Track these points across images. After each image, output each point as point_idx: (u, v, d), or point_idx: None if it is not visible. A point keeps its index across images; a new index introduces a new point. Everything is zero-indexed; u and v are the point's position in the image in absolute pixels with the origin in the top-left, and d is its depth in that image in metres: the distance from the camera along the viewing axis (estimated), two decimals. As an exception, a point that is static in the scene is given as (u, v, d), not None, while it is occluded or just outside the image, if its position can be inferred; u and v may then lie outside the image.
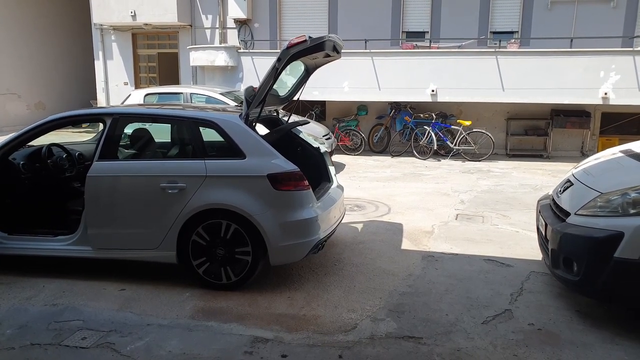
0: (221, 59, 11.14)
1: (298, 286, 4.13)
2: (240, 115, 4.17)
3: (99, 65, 13.70)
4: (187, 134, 4.24)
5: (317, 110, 11.95)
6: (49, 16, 16.41)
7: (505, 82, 9.91)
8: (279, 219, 3.87)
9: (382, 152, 11.60)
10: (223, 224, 3.92)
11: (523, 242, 5.36)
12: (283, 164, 3.97)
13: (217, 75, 11.59)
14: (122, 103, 9.60)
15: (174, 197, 3.91)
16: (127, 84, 13.63)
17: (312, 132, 9.00)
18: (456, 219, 6.28)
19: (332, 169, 5.25)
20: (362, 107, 11.76)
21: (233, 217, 3.89)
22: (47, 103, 16.70)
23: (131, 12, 12.37)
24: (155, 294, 3.96)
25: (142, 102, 9.33)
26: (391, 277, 4.35)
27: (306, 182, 4.03)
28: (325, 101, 11.71)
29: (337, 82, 10.57)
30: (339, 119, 11.75)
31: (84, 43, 15.59)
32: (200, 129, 4.14)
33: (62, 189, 4.88)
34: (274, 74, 4.03)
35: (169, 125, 4.78)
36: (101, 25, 13.27)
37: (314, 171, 5.12)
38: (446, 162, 10.45)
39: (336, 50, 4.48)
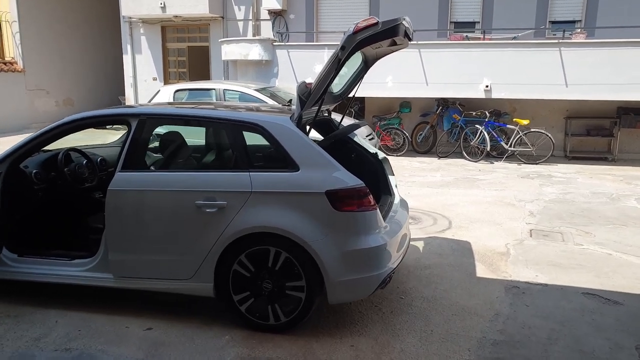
0: (255, 52, 10.43)
1: (362, 329, 3.34)
2: (291, 117, 3.41)
3: (127, 59, 13.18)
4: (228, 139, 3.49)
5: (356, 107, 11.12)
6: (77, 10, 16.02)
7: (569, 77, 8.89)
8: (339, 247, 3.09)
9: (426, 152, 10.70)
10: (271, 252, 3.16)
11: (622, 270, 4.45)
12: (345, 178, 3.19)
13: (250, 70, 10.88)
14: (151, 100, 8.97)
15: (212, 218, 3.18)
16: (156, 79, 13.07)
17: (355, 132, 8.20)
18: (531, 236, 5.39)
19: (392, 180, 4.45)
20: (405, 104, 10.88)
21: (283, 244, 3.13)
22: (75, 99, 16.34)
23: (161, 4, 11.76)
24: (189, 337, 3.23)
25: (171, 99, 8.70)
26: (475, 318, 3.52)
27: (373, 201, 3.24)
28: (364, 97, 10.87)
29: (380, 77, 9.71)
30: (380, 116, 10.90)
31: (113, 37, 15.12)
32: (244, 133, 3.39)
33: (81, 202, 4.22)
34: (336, 65, 3.25)
35: (206, 128, 4.06)
36: (130, 18, 12.72)
37: (372, 183, 4.32)
38: (500, 165, 9.49)
39: (408, 37, 3.66)
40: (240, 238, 3.15)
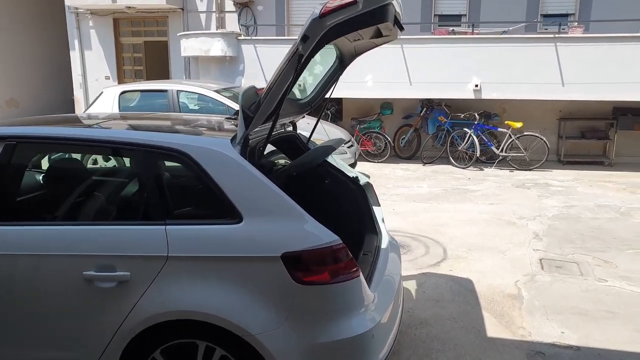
0: (217, 47, 9.27)
1: None
2: (233, 140, 2.34)
3: (75, 56, 11.83)
4: (136, 174, 2.39)
5: (333, 109, 10.08)
6: (19, 1, 14.45)
7: (566, 75, 8.01)
8: (304, 341, 2.05)
9: (410, 158, 9.73)
10: (200, 348, 2.09)
11: (668, 320, 3.53)
12: (314, 231, 2.14)
13: (213, 68, 9.72)
14: (91, 105, 7.76)
15: (109, 297, 2.09)
16: (109, 78, 11.77)
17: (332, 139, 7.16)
18: (543, 269, 4.44)
19: (378, 213, 3.43)
20: (386, 105, 9.88)
21: (218, 336, 2.07)
22: (20, 100, 14.80)
23: (111, -7, 10.49)
24: None
25: (116, 103, 7.50)
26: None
27: (354, 265, 2.19)
28: (341, 98, 9.83)
29: (359, 75, 8.68)
30: (359, 119, 9.88)
31: (61, 30, 13.62)
32: (161, 164, 2.31)
33: None
34: (297, 64, 2.20)
35: (106, 157, 2.95)
36: (76, 8, 11.38)
37: (352, 218, 3.31)
38: (491, 172, 8.57)
39: (399, 25, 2.61)
40: (153, 328, 2.07)
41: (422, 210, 6.32)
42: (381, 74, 8.75)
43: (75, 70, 12.05)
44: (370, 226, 3.30)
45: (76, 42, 11.82)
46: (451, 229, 5.55)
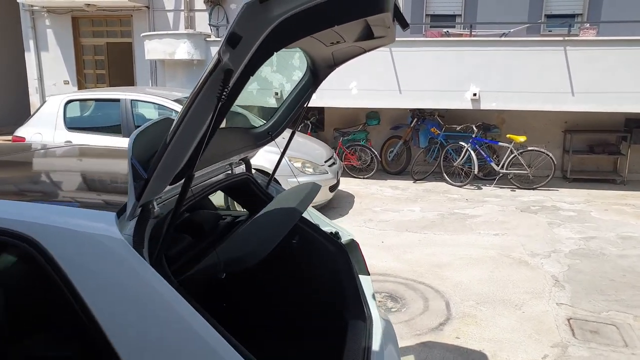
0: (183, 50, 8.22)
1: None
2: (120, 214, 1.36)
3: (30, 58, 10.68)
4: None
5: (314, 119, 9.09)
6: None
7: (577, 83, 7.12)
8: None
9: (399, 173, 8.78)
10: None
11: None
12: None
13: (179, 73, 8.67)
14: (32, 115, 6.67)
15: None
16: (68, 83, 10.64)
17: (310, 157, 6.18)
18: (574, 336, 3.49)
19: (367, 284, 2.45)
20: (372, 115, 8.91)
21: None
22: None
23: (67, -12, 9.38)
24: None
25: (61, 114, 6.43)
26: None
27: None
28: (323, 107, 8.84)
29: (342, 83, 7.70)
30: (342, 130, 8.90)
31: (14, 29, 12.30)
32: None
33: None
34: (221, 88, 1.23)
35: None
36: (31, 6, 10.24)
37: (329, 296, 2.33)
38: (491, 192, 7.65)
39: (401, 20, 1.62)
40: None
41: (416, 244, 5.36)
42: (367, 80, 7.78)
43: (30, 74, 10.89)
44: (355, 308, 2.31)
45: (31, 42, 10.66)
46: (453, 272, 4.59)
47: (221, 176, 2.25)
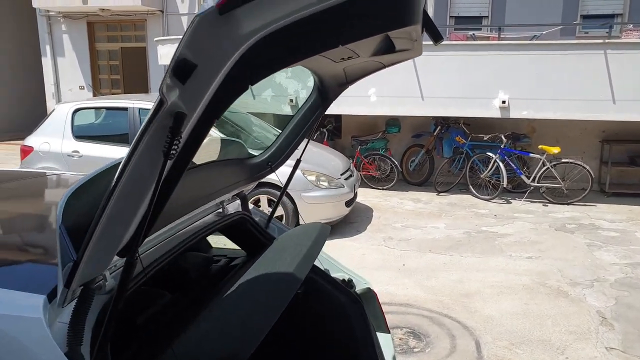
0: (196, 55, 7.90)
1: None
2: (51, 298, 1.01)
3: (47, 64, 10.57)
4: None
5: (330, 126, 8.69)
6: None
7: (618, 90, 6.55)
8: None
9: (421, 184, 8.31)
10: None
11: None
12: None
13: (192, 78, 8.35)
14: (41, 124, 6.43)
15: None
16: (84, 88, 10.48)
17: (325, 169, 5.78)
18: (627, 388, 3.01)
19: (387, 344, 2.06)
20: (392, 122, 8.47)
21: None
22: (-2, 110, 13.54)
23: (81, -7, 9.19)
24: None
25: (69, 122, 6.18)
26: None
27: None
28: (340, 115, 8.44)
29: (360, 89, 7.23)
30: (360, 138, 8.47)
31: (31, 35, 12.24)
32: None
33: None
34: (169, 139, 0.84)
35: None
36: (47, 11, 10.10)
37: (341, 355, 1.95)
38: (521, 206, 7.13)
39: (432, 32, 1.21)
40: None
41: (441, 267, 4.91)
42: (387, 87, 7.34)
43: (47, 79, 10.79)
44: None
45: (48, 48, 10.55)
46: (483, 303, 4.13)
47: (210, 217, 1.87)
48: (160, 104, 0.85)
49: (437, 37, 1.25)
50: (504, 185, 7.20)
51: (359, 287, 2.17)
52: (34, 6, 9.83)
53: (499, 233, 5.96)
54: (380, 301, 2.28)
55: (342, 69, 1.72)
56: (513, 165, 7.35)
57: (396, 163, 7.99)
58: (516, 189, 7.65)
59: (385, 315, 2.27)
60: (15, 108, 13.63)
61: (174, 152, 0.88)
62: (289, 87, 7.32)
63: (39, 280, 1.15)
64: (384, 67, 1.68)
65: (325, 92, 1.90)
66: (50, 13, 10.20)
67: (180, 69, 0.82)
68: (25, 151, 6.33)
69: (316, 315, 2.06)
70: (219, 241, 2.48)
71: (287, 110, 7.32)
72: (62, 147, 6.11)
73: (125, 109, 6.08)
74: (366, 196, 7.45)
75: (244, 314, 1.37)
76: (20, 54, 13.55)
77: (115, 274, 1.28)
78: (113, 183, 0.93)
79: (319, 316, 2.04)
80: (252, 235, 2.05)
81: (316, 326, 2.04)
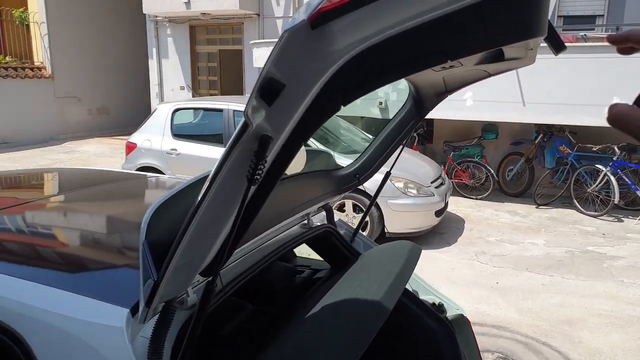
0: (289, 57, 8.01)
1: None
2: (135, 309, 1.01)
3: (153, 65, 11.32)
4: None
5: (421, 130, 8.40)
6: (110, 8, 14.34)
7: None
8: None
9: (519, 195, 7.77)
10: None
11: None
12: None
13: (284, 80, 8.49)
14: (144, 122, 6.85)
15: None
16: (184, 89, 11.08)
17: (415, 176, 5.55)
18: None
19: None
20: (489, 128, 8.00)
21: None
22: (111, 108, 14.80)
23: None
24: None
25: (169, 121, 6.52)
26: None
27: None
28: (432, 119, 8.12)
29: (455, 93, 6.89)
30: (454, 144, 8.10)
31: (141, 39, 13.26)
32: None
33: None
34: (254, 163, 0.80)
35: None
36: (155, 16, 10.81)
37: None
38: (635, 226, 6.38)
39: (554, 41, 1.03)
40: None
41: (539, 289, 4.50)
42: (484, 90, 6.92)
43: (152, 79, 11.56)
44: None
45: (154, 50, 11.30)
46: (588, 333, 3.71)
47: (295, 230, 1.80)
48: (244, 127, 0.78)
49: (559, 47, 1.06)
50: (615, 201, 6.49)
51: (450, 313, 1.99)
52: (143, 12, 10.55)
53: (608, 255, 5.37)
54: (470, 321, 2.08)
55: (441, 77, 1.57)
56: (627, 180, 6.61)
57: (492, 171, 7.53)
58: (629, 206, 6.88)
59: (476, 337, 2.07)
60: (124, 106, 14.86)
61: (258, 177, 0.80)
62: (378, 90, 7.16)
63: (124, 291, 1.14)
64: (489, 76, 1.50)
65: (421, 101, 1.75)
66: (158, 18, 10.90)
67: (267, 90, 0.75)
68: (130, 147, 6.78)
69: (403, 340, 1.91)
70: (303, 250, 2.42)
71: (376, 113, 7.18)
72: (162, 145, 6.46)
73: (221, 110, 6.30)
74: (458, 206, 7.09)
75: (334, 337, 1.27)
76: (130, 56, 14.76)
77: (197, 288, 1.24)
78: (196, 204, 0.88)
79: (406, 342, 1.90)
80: (336, 249, 1.95)
81: (402, 352, 1.90)
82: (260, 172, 0.80)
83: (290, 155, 0.85)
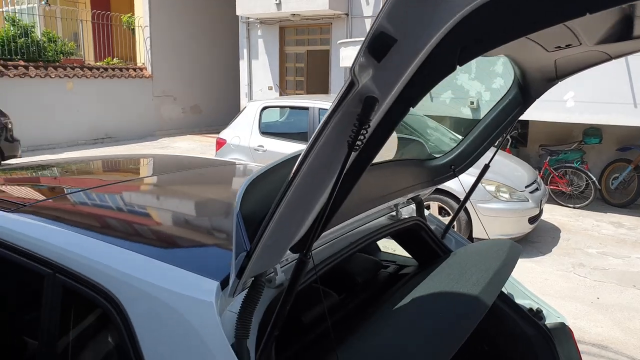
0: (376, 56, 7.91)
1: None
2: (226, 283, 1.01)
3: (243, 66, 11.73)
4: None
5: (515, 132, 7.92)
6: (203, 13, 15.06)
7: None
8: None
9: (625, 206, 7.07)
10: None
11: None
12: None
13: (370, 80, 8.41)
14: (234, 119, 7.09)
15: None
16: (272, 89, 11.37)
17: (508, 179, 5.23)
18: None
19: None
20: (592, 131, 7.37)
21: None
22: (203, 107, 15.60)
23: (276, 0, 9.94)
24: None
25: (257, 118, 6.70)
26: None
27: None
28: (527, 121, 7.63)
29: (554, 92, 6.39)
30: (550, 148, 7.55)
31: (234, 40, 13.84)
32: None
33: None
34: (360, 118, 0.74)
35: None
36: (247, 18, 11.20)
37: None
38: None
39: None
40: None
41: (648, 309, 4.04)
42: (587, 89, 6.37)
43: (242, 79, 11.99)
44: None
45: (245, 51, 11.71)
46: None
47: (383, 220, 1.72)
48: (350, 86, 0.73)
49: None
50: None
51: (549, 320, 1.81)
52: (237, 14, 10.97)
53: None
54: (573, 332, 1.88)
55: (553, 60, 1.43)
56: None
57: (594, 179, 6.91)
58: None
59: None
60: (215, 105, 15.60)
61: (359, 143, 0.74)
62: (470, 89, 6.86)
63: (215, 266, 1.13)
64: (610, 59, 1.34)
65: (527, 88, 1.61)
66: (250, 20, 11.28)
67: (378, 44, 0.69)
68: (220, 143, 7.05)
69: (495, 347, 1.76)
70: (388, 246, 2.33)
71: (466, 113, 6.87)
72: (250, 142, 6.64)
73: (307, 108, 6.35)
74: (553, 214, 6.60)
75: (422, 337, 1.18)
76: (222, 58, 15.47)
77: (285, 268, 1.21)
78: (292, 174, 0.84)
79: (499, 350, 1.74)
80: (425, 244, 1.84)
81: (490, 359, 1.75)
82: (362, 137, 0.74)
83: (396, 121, 0.78)
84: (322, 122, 0.79)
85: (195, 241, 1.39)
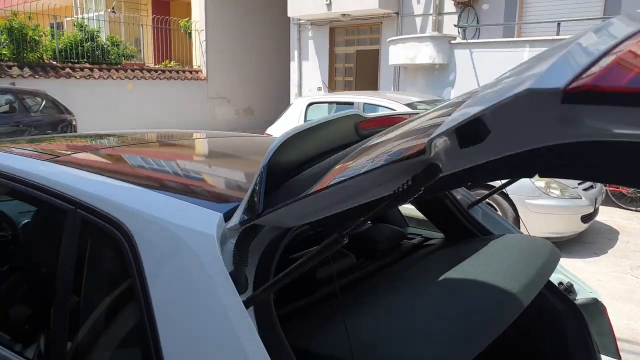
0: (425, 53, 7.82)
1: None
2: (229, 215, 1.06)
3: (293, 67, 11.89)
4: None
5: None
6: (256, 16, 15.41)
7: None
8: None
9: (691, 211, 6.57)
10: None
11: None
12: None
13: (419, 78, 8.33)
14: (281, 115, 7.22)
15: None
16: (321, 89, 11.46)
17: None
18: None
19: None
20: (656, 131, 6.89)
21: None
22: (256, 109, 15.94)
23: (326, 1, 10.03)
24: None
25: (303, 114, 6.79)
26: None
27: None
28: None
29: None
30: (610, 147, 7.13)
31: (286, 42, 14.08)
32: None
33: None
34: (414, 179, 0.75)
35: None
36: (298, 20, 11.38)
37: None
38: None
39: None
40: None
41: None
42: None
43: (293, 80, 12.16)
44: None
45: (296, 53, 11.88)
46: None
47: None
48: (417, 153, 0.68)
49: None
50: None
51: (581, 296, 1.71)
52: (288, 15, 11.16)
53: None
54: (616, 335, 1.76)
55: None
56: None
57: (656, 180, 6.46)
58: None
59: (627, 356, 1.75)
60: (266, 108, 15.90)
61: (398, 194, 0.71)
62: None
63: (223, 204, 1.16)
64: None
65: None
66: (301, 21, 11.44)
67: (470, 131, 0.64)
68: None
69: (521, 322, 1.68)
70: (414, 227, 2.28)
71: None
72: (296, 137, 6.73)
73: (352, 103, 6.36)
74: (610, 216, 6.24)
75: (444, 319, 1.12)
76: (274, 60, 15.76)
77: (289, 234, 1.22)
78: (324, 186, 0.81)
79: (525, 324, 1.66)
80: (451, 215, 1.78)
81: (520, 336, 1.66)
82: (406, 193, 0.71)
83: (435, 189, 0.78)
84: (371, 163, 0.76)
85: (208, 185, 1.46)
